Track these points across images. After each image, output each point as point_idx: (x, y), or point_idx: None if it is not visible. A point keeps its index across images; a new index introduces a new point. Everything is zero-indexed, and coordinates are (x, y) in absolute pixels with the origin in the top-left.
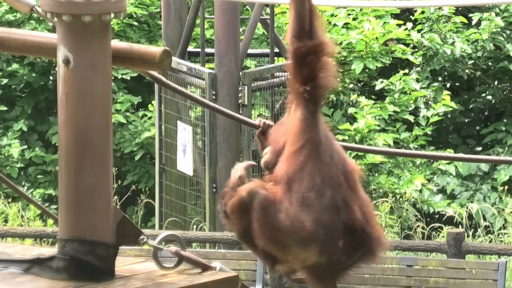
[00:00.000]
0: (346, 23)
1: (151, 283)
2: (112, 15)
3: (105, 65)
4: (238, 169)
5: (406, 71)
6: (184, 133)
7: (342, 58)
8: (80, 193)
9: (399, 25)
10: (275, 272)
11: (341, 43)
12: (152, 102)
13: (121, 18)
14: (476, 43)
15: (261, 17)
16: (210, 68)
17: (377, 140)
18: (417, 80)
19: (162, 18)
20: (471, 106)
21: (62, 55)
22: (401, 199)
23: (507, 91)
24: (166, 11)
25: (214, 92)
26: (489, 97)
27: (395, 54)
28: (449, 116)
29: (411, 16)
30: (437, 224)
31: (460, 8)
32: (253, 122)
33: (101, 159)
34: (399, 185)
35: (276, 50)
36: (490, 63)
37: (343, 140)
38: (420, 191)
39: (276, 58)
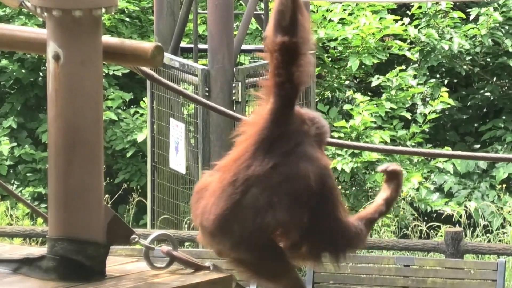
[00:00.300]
0: (342, 18)
1: (142, 283)
2: (103, 10)
3: (95, 61)
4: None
5: (403, 67)
6: (177, 131)
7: (338, 54)
8: (70, 191)
9: (395, 20)
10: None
11: (336, 39)
12: (144, 99)
13: (112, 13)
14: (474, 39)
15: (255, 12)
16: (203, 64)
17: (374, 137)
18: (414, 77)
19: (154, 13)
20: (469, 103)
21: (52, 51)
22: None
23: (506, 88)
24: (158, 6)
25: (207, 89)
26: (488, 93)
27: (392, 50)
28: (447, 113)
29: (408, 11)
30: (435, 223)
31: (457, 3)
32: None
33: (92, 157)
34: None
35: None
36: (488, 59)
37: (339, 138)
38: (417, 189)
39: None
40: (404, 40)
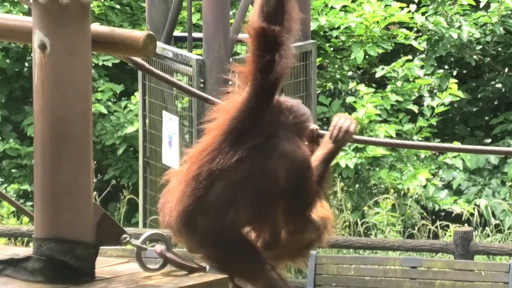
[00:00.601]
0: (345, 6)
1: (134, 285)
2: None
3: (84, 51)
4: None
5: (409, 57)
6: (170, 124)
7: (340, 44)
8: (57, 188)
9: (401, 8)
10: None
11: (339, 27)
12: (136, 93)
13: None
14: (484, 27)
15: None
16: (197, 54)
17: (378, 131)
18: (421, 67)
19: (146, 0)
20: (479, 95)
21: (38, 40)
22: (404, 195)
23: None
24: None
25: (202, 80)
26: (499, 85)
27: (398, 39)
28: (456, 106)
29: None
30: (443, 222)
31: None
32: None
33: (80, 152)
34: (402, 181)
35: None
36: (500, 49)
37: None
38: (425, 186)
39: None
40: (410, 29)
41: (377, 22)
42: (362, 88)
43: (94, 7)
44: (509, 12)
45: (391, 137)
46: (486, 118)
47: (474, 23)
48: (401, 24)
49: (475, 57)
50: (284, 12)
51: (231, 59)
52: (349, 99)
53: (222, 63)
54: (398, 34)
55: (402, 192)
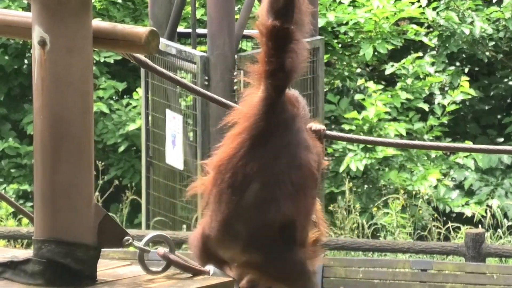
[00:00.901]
0: (353, 1)
1: None
2: None
3: (85, 47)
4: None
5: (420, 54)
6: (174, 123)
7: (349, 40)
8: (57, 189)
9: (412, 3)
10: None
11: (347, 23)
12: (138, 89)
13: None
14: (497, 23)
15: None
16: (202, 51)
17: (388, 130)
18: (432, 64)
19: None
20: (491, 93)
21: (37, 36)
22: (415, 196)
23: None
24: None
25: (206, 78)
26: None
27: (408, 35)
28: (468, 104)
29: None
30: (455, 224)
31: None
32: None
33: (81, 152)
34: (412, 181)
35: None
36: None
37: (350, 130)
38: (436, 187)
39: None
40: (421, 24)
41: (387, 17)
42: (371, 85)
43: (96, 2)
44: None
45: (401, 136)
46: (499, 116)
47: (486, 19)
48: (411, 20)
49: (487, 53)
50: (294, 6)
51: (236, 56)
52: (358, 97)
53: (227, 60)
54: (408, 30)
55: (414, 193)
